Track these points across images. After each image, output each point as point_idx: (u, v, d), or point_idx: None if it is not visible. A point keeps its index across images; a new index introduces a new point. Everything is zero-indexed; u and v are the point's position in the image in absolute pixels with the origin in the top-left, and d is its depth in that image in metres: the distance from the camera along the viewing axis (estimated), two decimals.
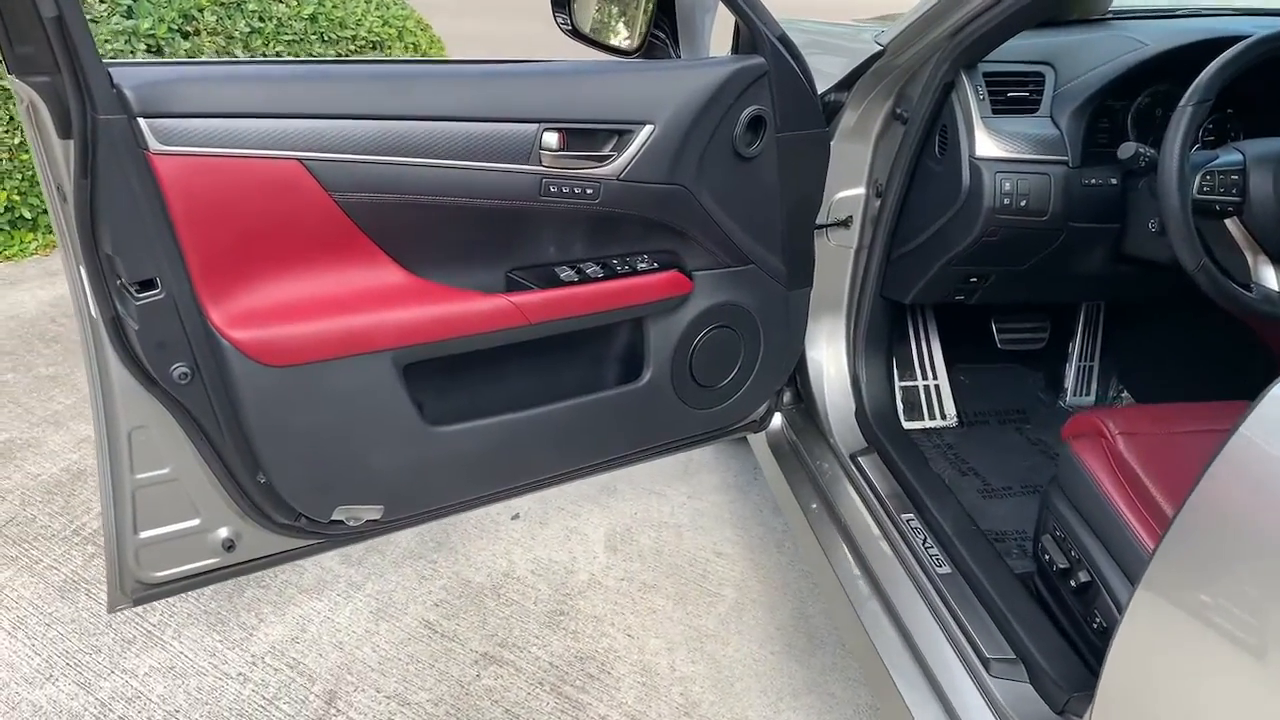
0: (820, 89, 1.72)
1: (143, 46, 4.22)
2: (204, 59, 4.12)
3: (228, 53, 4.72)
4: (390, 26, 6.17)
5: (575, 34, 1.78)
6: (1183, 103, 1.50)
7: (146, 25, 4.22)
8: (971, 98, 1.78)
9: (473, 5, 13.77)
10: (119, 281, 1.26)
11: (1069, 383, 2.46)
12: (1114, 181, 1.81)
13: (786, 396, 2.21)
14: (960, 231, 1.82)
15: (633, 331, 1.75)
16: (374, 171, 1.35)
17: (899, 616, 1.65)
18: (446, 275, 1.50)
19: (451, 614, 2.15)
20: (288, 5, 5.19)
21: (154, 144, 1.19)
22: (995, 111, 1.79)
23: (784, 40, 1.63)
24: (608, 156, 1.52)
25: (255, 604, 2.15)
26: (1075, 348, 2.47)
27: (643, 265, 1.66)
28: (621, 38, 1.77)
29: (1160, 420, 1.58)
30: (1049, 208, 1.78)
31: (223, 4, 4.72)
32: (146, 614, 2.10)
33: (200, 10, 4.55)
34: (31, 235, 4.19)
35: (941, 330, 2.40)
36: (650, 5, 1.72)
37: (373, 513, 1.58)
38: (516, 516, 2.49)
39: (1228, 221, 1.56)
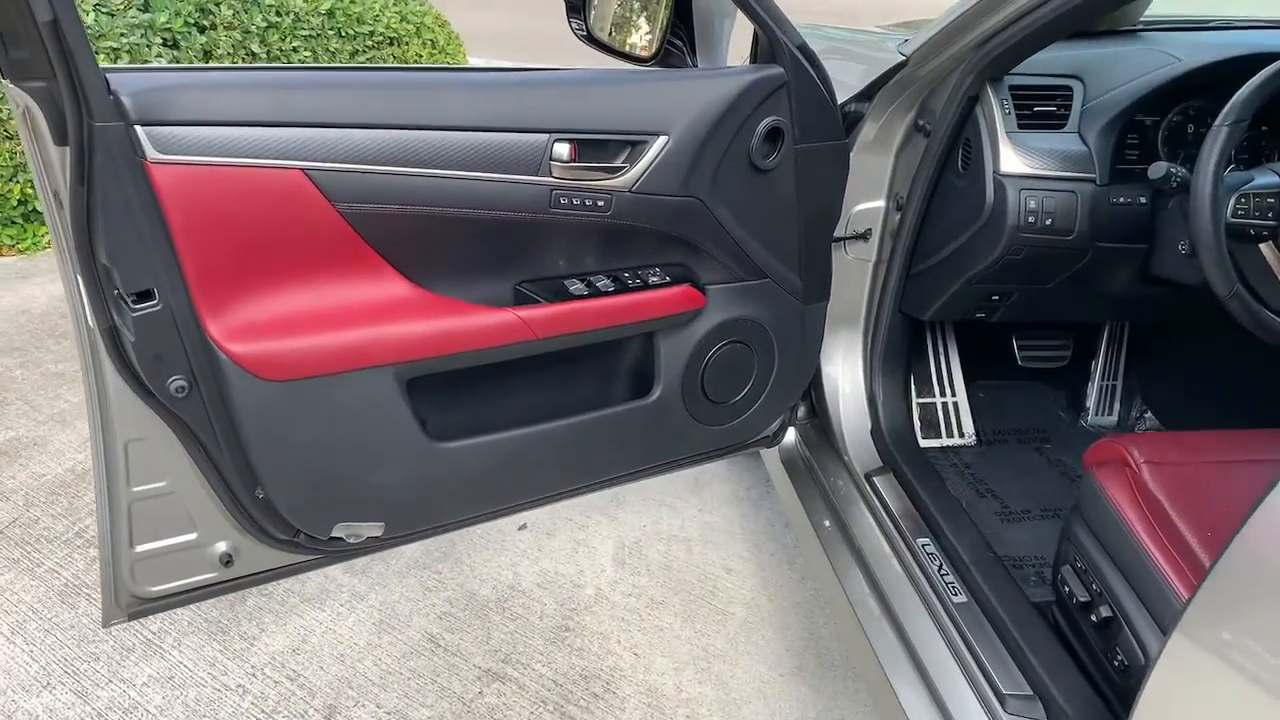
0: (839, 98, 1.67)
1: (159, 40, 4.20)
2: (200, 65, 4.10)
3: (244, 47, 4.70)
4: (408, 22, 6.14)
5: (590, 40, 1.74)
6: (1217, 122, 1.45)
7: (163, 19, 4.19)
8: (997, 111, 1.73)
9: (493, 0, 13.74)
10: (116, 291, 1.23)
11: (1091, 402, 2.40)
12: (1143, 201, 1.75)
13: (800, 412, 2.16)
14: (983, 249, 1.77)
15: (643, 346, 1.70)
16: (379, 182, 1.31)
17: (912, 646, 1.61)
18: (452, 288, 1.46)
19: (455, 627, 2.11)
20: (305, 0, 5.17)
21: (152, 152, 1.16)
22: (1021, 126, 1.74)
23: (804, 49, 1.58)
24: (620, 168, 1.48)
25: (257, 613, 2.12)
26: (1098, 366, 2.42)
27: (654, 279, 1.62)
28: (637, 45, 1.72)
29: (1188, 449, 1.52)
30: (1075, 227, 1.73)
31: None
32: (146, 621, 2.07)
33: (217, 4, 4.53)
34: (45, 229, 4.18)
35: (961, 346, 2.34)
36: (667, 12, 1.67)
37: (374, 529, 1.55)
38: (523, 527, 2.45)
39: (1262, 246, 1.50)
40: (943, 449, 2.23)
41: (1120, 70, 1.81)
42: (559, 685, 1.97)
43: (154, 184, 1.17)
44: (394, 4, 6.07)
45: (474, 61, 7.91)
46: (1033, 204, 1.71)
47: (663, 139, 1.49)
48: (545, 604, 2.20)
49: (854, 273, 2.02)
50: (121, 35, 4.01)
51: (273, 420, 1.36)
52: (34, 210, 4.12)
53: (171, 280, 1.23)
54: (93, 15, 3.88)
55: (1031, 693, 1.45)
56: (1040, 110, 1.77)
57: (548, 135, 1.41)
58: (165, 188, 1.18)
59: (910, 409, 2.20)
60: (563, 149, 1.42)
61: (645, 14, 1.72)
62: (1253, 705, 0.83)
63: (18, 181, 4.00)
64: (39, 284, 3.82)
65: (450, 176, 1.35)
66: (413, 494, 1.54)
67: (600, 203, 1.47)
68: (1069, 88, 1.80)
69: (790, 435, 2.16)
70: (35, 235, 4.15)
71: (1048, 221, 1.72)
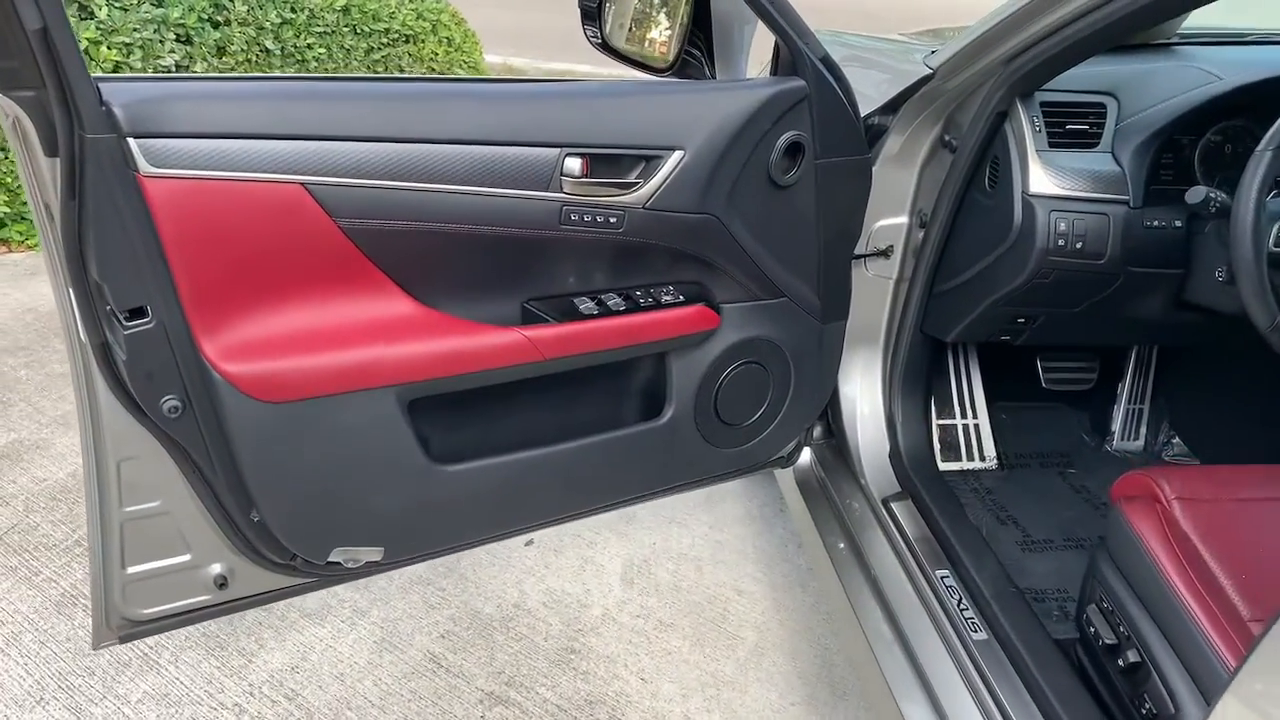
0: (861, 110, 1.61)
1: (172, 36, 4.16)
2: (196, 75, 4.06)
3: (258, 44, 4.66)
4: (424, 19, 6.09)
5: (605, 48, 1.68)
6: (1261, 146, 1.38)
7: (176, 14, 4.15)
8: (1027, 128, 1.66)
9: None
10: (108, 307, 1.18)
11: (1116, 426, 2.33)
12: (1178, 224, 1.68)
13: (816, 431, 2.10)
14: (1009, 271, 1.71)
15: (654, 366, 1.65)
16: (383, 196, 1.26)
17: (929, 683, 1.55)
18: (458, 306, 1.41)
19: (458, 647, 2.06)
20: None
21: (144, 165, 1.11)
22: (1052, 144, 1.67)
23: (827, 61, 1.52)
24: (634, 184, 1.42)
25: (256, 628, 2.07)
26: (1124, 389, 2.34)
27: (667, 298, 1.57)
28: (654, 54, 1.66)
29: (1222, 484, 1.46)
30: (1107, 251, 1.66)
31: None
32: None
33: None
34: None
35: (983, 366, 2.28)
36: (685, 20, 1.61)
37: (373, 554, 1.50)
38: (530, 543, 2.40)
39: None
40: (962, 472, 2.16)
41: (1156, 87, 1.75)
42: (563, 711, 1.92)
43: (147, 198, 1.13)
44: (410, 1, 6.02)
45: (490, 58, 7.86)
46: (1063, 226, 1.64)
47: (678, 154, 1.43)
48: (551, 624, 2.15)
49: (874, 290, 1.96)
50: (134, 30, 3.97)
51: (269, 443, 1.31)
52: None
53: (165, 298, 1.18)
54: (105, 10, 3.84)
55: None
56: (1072, 128, 1.70)
57: (559, 150, 1.35)
58: (159, 202, 1.13)
59: (930, 431, 2.13)
60: (574, 164, 1.37)
61: (662, 21, 1.67)
62: None
63: None
64: (47, 282, 3.77)
65: (457, 192, 1.30)
66: (414, 518, 1.49)
67: (612, 219, 1.42)
68: (1102, 105, 1.74)
69: (805, 455, 2.10)
70: None
71: (1078, 245, 1.65)
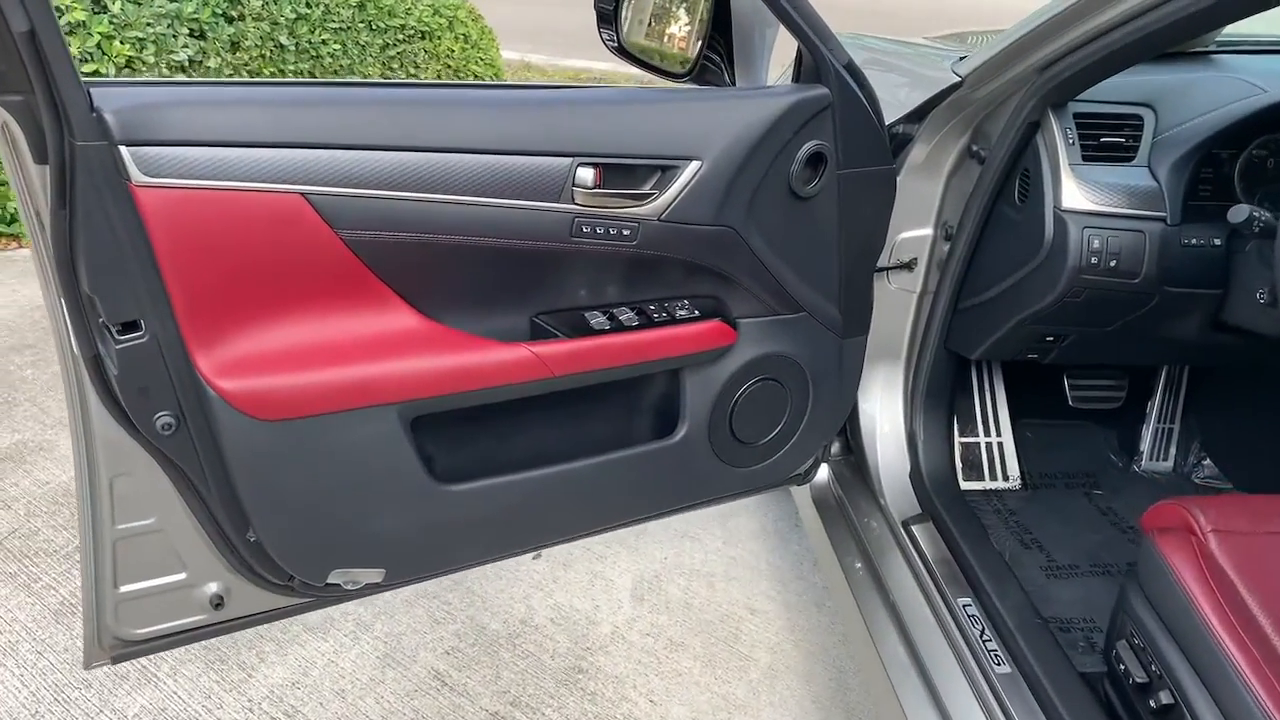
0: (885, 117, 1.55)
1: (185, 31, 4.12)
2: (192, 80, 4.02)
3: (272, 39, 4.63)
4: (440, 16, 6.05)
5: (621, 52, 1.63)
6: None
7: (190, 9, 4.12)
8: (1060, 141, 1.59)
9: None
10: (100, 320, 1.13)
11: (1145, 445, 2.26)
12: (1217, 242, 1.61)
13: (835, 448, 2.04)
14: (1039, 289, 1.64)
15: (668, 382, 1.59)
16: (386, 207, 1.20)
17: (949, 717, 1.49)
18: (464, 320, 1.35)
19: (463, 664, 2.01)
20: None
21: (137, 175, 1.06)
22: (1086, 158, 1.60)
23: (851, 68, 1.46)
24: (649, 195, 1.36)
25: (257, 642, 2.03)
26: (1154, 408, 2.27)
27: (682, 313, 1.50)
28: (671, 59, 1.61)
29: (1259, 516, 1.39)
30: (1142, 269, 1.59)
31: None
32: None
33: None
34: None
35: (1007, 383, 2.20)
36: (704, 25, 1.55)
37: (373, 576, 1.45)
38: (538, 556, 2.35)
39: None
40: (985, 492, 2.09)
41: (1196, 99, 1.67)
42: None
43: (140, 209, 1.07)
44: None
45: (507, 54, 7.81)
46: (1096, 243, 1.57)
47: (696, 164, 1.37)
48: (558, 641, 2.10)
49: (896, 304, 1.90)
50: (148, 25, 3.94)
51: (265, 462, 1.26)
52: None
53: (158, 311, 1.13)
54: (119, 4, 3.81)
55: None
56: (1107, 141, 1.63)
57: (571, 159, 1.29)
58: (152, 213, 1.08)
59: (952, 450, 2.06)
60: (587, 174, 1.31)
61: (681, 25, 1.61)
62: None
63: None
64: None
65: (464, 202, 1.24)
66: (416, 540, 1.44)
67: (626, 232, 1.36)
68: (1139, 117, 1.66)
69: (823, 472, 2.04)
70: None
71: (1112, 263, 1.58)
